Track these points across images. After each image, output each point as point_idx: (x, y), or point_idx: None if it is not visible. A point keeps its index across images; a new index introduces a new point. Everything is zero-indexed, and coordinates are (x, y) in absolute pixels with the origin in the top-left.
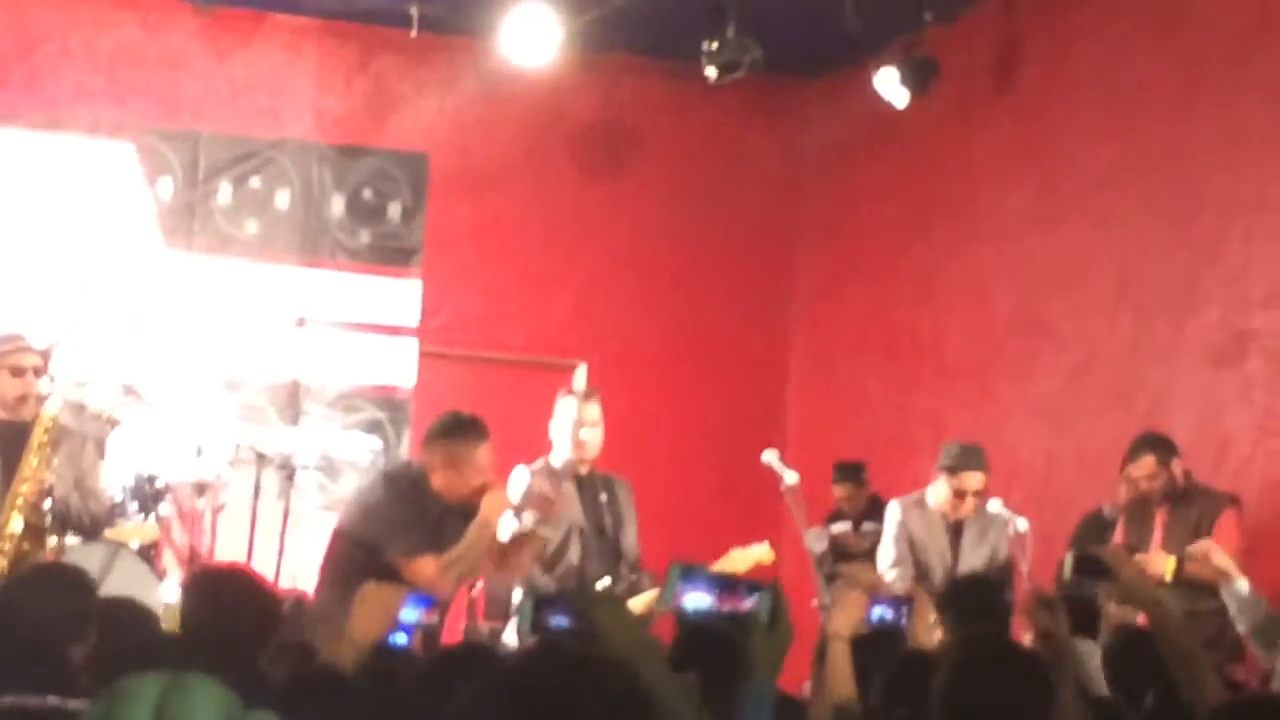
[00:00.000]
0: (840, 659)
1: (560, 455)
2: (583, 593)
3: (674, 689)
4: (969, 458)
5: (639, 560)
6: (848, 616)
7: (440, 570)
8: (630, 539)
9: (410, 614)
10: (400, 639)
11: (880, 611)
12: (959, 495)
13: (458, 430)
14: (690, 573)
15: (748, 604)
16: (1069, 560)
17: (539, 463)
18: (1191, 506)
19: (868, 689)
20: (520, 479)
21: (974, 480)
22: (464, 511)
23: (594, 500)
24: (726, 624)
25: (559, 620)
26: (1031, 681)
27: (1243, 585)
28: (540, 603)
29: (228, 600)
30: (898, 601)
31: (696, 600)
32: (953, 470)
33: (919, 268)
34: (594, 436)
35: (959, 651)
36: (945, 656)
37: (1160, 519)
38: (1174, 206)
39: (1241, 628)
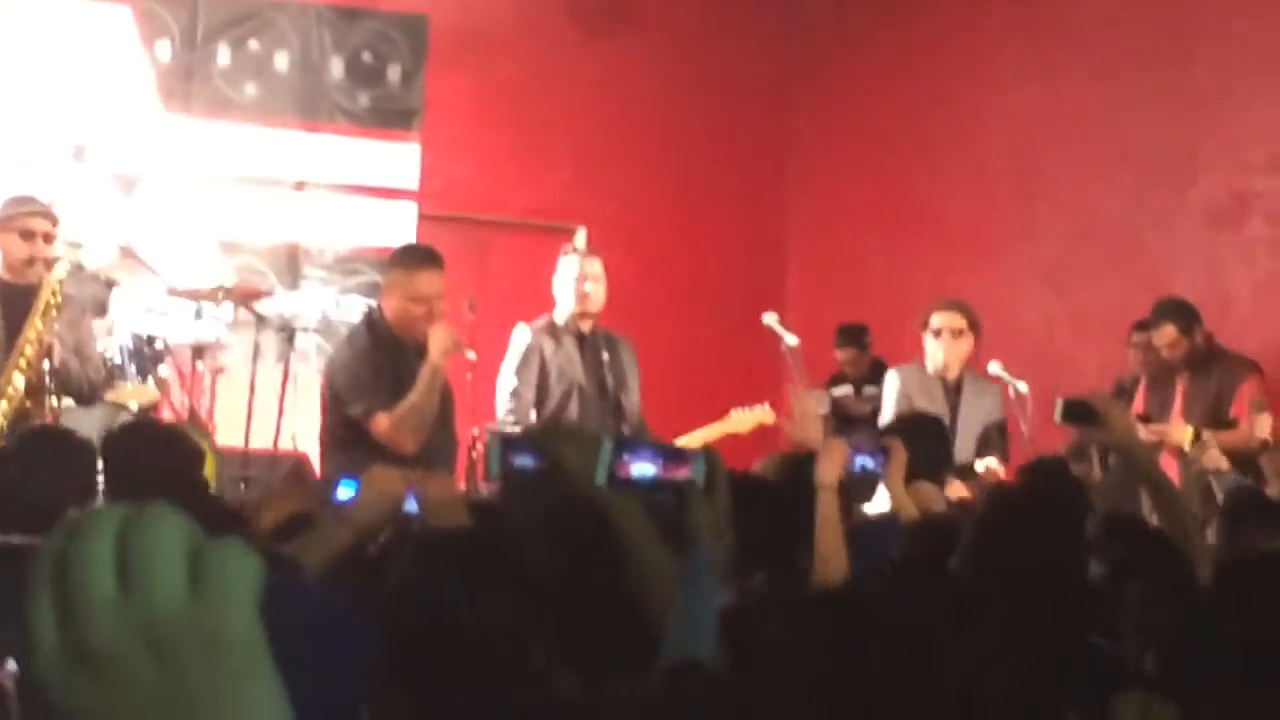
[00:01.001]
0: (828, 509)
1: (563, 311)
2: (548, 431)
3: (641, 525)
4: (941, 301)
5: (641, 421)
6: (832, 466)
7: (395, 424)
8: (633, 399)
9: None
10: (349, 490)
11: (861, 460)
12: (936, 335)
13: (402, 254)
14: (629, 444)
15: (688, 470)
16: (1059, 406)
17: (541, 320)
18: (1212, 374)
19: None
20: (522, 336)
21: (946, 319)
22: (421, 351)
23: (595, 359)
24: (668, 492)
25: (524, 460)
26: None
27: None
28: (506, 443)
29: (143, 452)
30: (877, 450)
31: (641, 469)
32: (927, 316)
33: (918, 131)
34: (597, 290)
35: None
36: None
37: (1181, 387)
38: (1174, 71)
39: None
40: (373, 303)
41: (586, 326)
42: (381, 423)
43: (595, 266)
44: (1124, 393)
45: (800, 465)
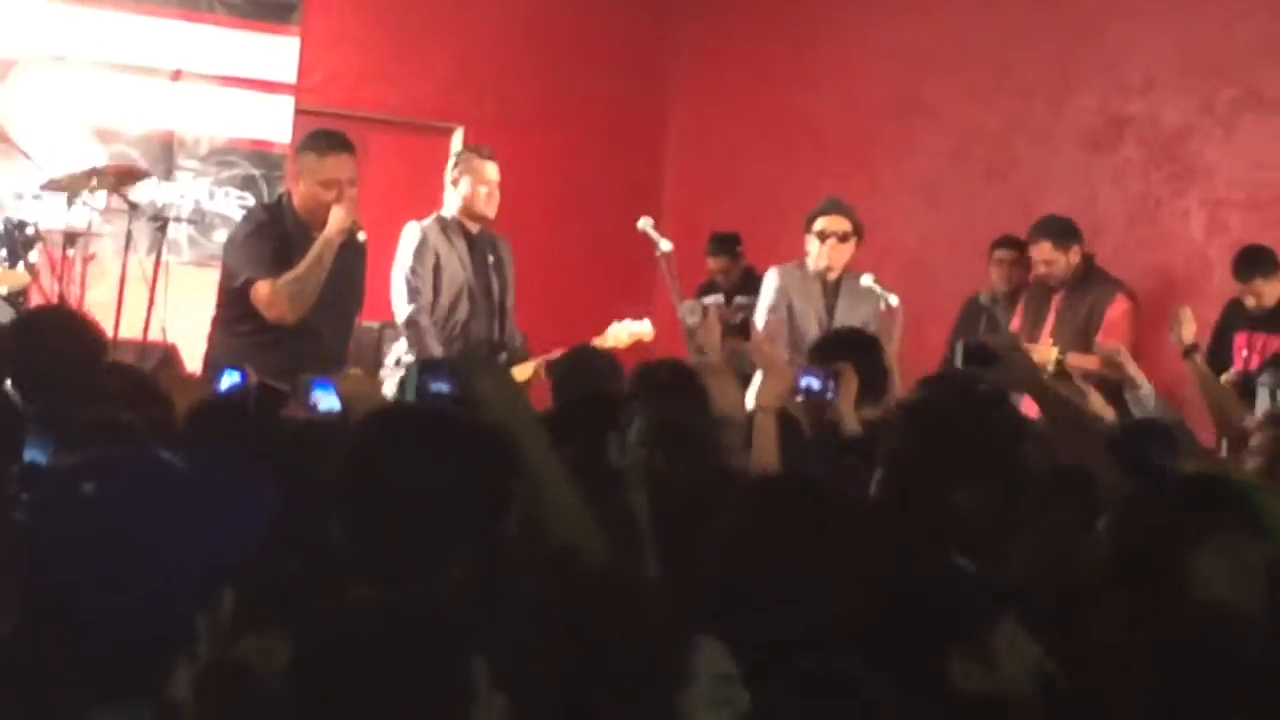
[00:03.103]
0: (765, 430)
1: (451, 209)
2: (466, 359)
3: (550, 457)
4: (828, 204)
5: (514, 321)
6: (773, 387)
7: (275, 290)
8: (511, 300)
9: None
10: (232, 379)
11: (807, 381)
12: (821, 238)
13: (311, 139)
14: (430, 366)
15: None
16: (959, 350)
17: (431, 218)
18: (1087, 295)
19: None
20: (413, 233)
21: (833, 223)
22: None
23: (483, 260)
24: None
25: (440, 386)
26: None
27: (1148, 392)
28: (424, 368)
29: (51, 339)
30: (825, 373)
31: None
32: (813, 218)
33: (798, 44)
34: (496, 196)
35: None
36: (895, 418)
37: (1055, 306)
38: None
39: None
40: (249, 197)
41: (475, 228)
42: (261, 289)
43: (496, 172)
44: (982, 310)
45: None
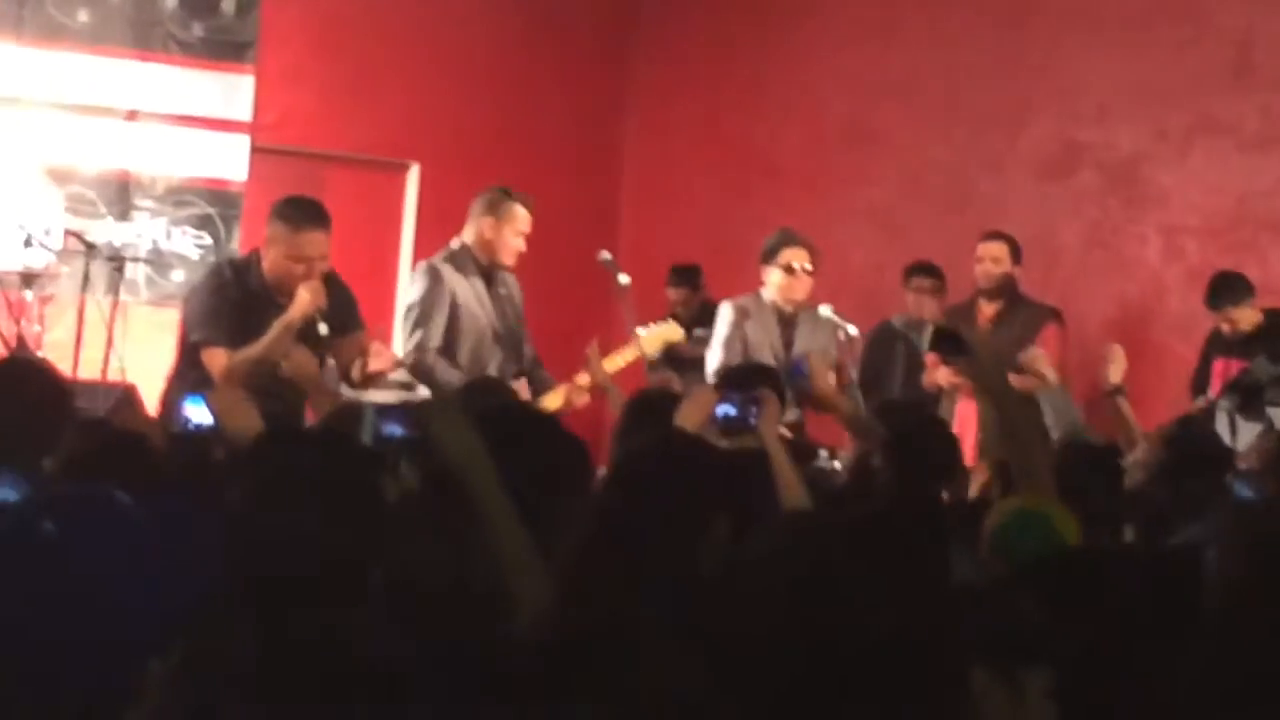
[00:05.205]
0: None
1: (468, 238)
2: (422, 404)
3: (501, 500)
4: (788, 236)
5: (535, 352)
6: (694, 412)
7: (229, 366)
8: (526, 333)
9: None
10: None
11: (725, 409)
12: (789, 271)
13: (285, 208)
14: (385, 411)
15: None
16: (929, 331)
17: (442, 256)
18: (1016, 316)
19: None
20: (427, 274)
21: (800, 255)
22: (288, 308)
23: (499, 296)
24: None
25: (394, 430)
26: None
27: (1059, 392)
28: (379, 412)
29: (19, 389)
30: (746, 399)
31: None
32: (775, 250)
33: (754, 72)
34: (520, 247)
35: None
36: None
37: (984, 326)
38: (1009, 17)
39: (1055, 434)
40: (206, 236)
41: (493, 268)
42: (216, 357)
43: (529, 223)
44: (897, 335)
45: (653, 408)
